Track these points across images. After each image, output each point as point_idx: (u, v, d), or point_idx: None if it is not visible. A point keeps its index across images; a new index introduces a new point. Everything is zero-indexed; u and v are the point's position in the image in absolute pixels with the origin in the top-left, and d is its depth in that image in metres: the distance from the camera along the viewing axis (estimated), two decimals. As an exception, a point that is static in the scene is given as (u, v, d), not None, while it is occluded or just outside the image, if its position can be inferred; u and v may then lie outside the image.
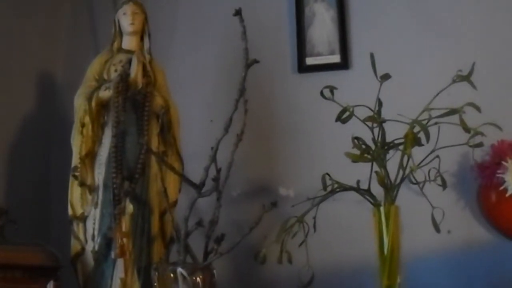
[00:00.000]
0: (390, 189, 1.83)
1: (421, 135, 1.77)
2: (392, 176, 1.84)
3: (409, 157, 1.80)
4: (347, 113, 1.79)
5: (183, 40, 2.75)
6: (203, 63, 2.69)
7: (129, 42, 2.24)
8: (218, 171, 1.70)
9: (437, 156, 1.83)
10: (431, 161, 1.83)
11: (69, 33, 2.92)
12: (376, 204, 1.85)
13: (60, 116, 2.80)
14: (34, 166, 2.65)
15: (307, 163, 2.47)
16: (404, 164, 1.78)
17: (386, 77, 1.79)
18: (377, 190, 1.86)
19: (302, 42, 2.55)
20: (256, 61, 1.67)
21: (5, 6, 2.55)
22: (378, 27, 2.49)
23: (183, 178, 1.71)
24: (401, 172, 1.81)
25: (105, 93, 2.13)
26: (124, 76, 2.12)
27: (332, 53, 2.52)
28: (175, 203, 2.14)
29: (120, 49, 2.24)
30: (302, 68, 2.55)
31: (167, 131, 2.15)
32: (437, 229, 1.85)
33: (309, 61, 2.54)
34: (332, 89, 1.80)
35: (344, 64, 2.50)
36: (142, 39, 2.26)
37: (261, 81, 2.49)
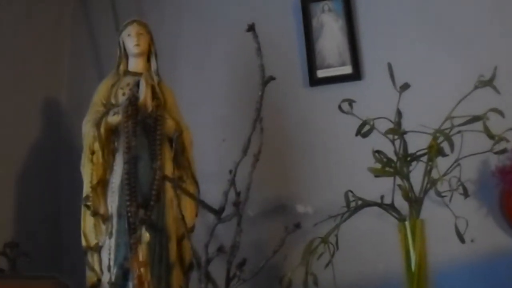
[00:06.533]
0: (415, 202, 1.78)
1: (444, 145, 1.72)
2: (416, 189, 1.78)
3: (432, 168, 1.74)
4: (367, 127, 1.73)
5: (189, 59, 2.71)
6: (211, 81, 2.66)
7: (135, 64, 2.19)
8: (238, 194, 1.64)
9: (459, 165, 1.78)
10: (452, 170, 1.78)
11: (72, 59, 2.90)
12: (401, 219, 1.79)
13: (66, 143, 2.76)
14: (43, 196, 2.62)
15: (325, 179, 2.43)
16: (428, 176, 1.74)
17: (405, 87, 1.75)
18: (401, 205, 1.81)
19: (312, 55, 2.52)
20: (272, 78, 1.61)
21: (7, 35, 2.54)
22: (388, 34, 2.45)
23: (202, 204, 1.64)
24: (425, 184, 1.76)
25: (114, 118, 2.08)
26: (133, 100, 2.07)
27: (343, 64, 2.48)
28: (192, 228, 2.08)
29: (126, 72, 2.20)
30: (314, 81, 2.51)
31: (180, 154, 2.10)
32: (461, 239, 1.81)
33: (320, 73, 2.50)
34: (350, 102, 1.74)
35: (356, 74, 2.46)
36: (149, 60, 2.22)
37: (272, 97, 2.39)
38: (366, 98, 2.17)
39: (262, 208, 2.45)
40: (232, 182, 1.60)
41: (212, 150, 2.50)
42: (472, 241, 2.02)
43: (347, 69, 2.47)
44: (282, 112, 2.50)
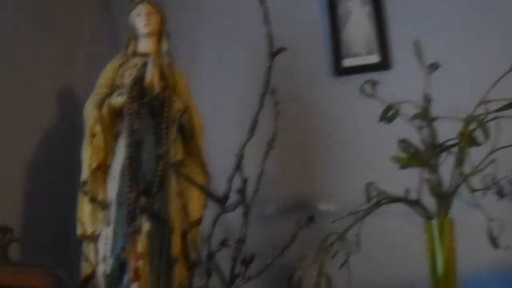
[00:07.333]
0: (444, 198, 1.65)
1: (478, 133, 1.59)
2: (445, 184, 1.65)
3: (463, 159, 1.58)
4: (392, 112, 1.59)
5: (209, 48, 2.61)
6: (233, 72, 2.56)
7: (145, 45, 2.09)
8: (244, 181, 1.49)
9: (493, 161, 1.64)
10: (486, 166, 1.64)
11: (90, 49, 2.81)
12: (427, 217, 1.67)
13: (82, 132, 2.67)
14: (57, 184, 2.52)
15: (348, 174, 2.31)
16: (460, 168, 1.60)
17: (434, 67, 1.62)
18: (428, 201, 1.68)
19: (337, 43, 2.41)
20: (283, 49, 1.46)
21: (26, 24, 2.48)
22: (419, 20, 2.32)
23: (203, 191, 1.50)
24: (456, 177, 1.63)
25: (118, 100, 1.99)
26: (139, 80, 1.97)
27: (370, 52, 2.37)
28: (199, 221, 1.96)
29: (135, 53, 2.10)
30: (339, 71, 2.40)
31: (189, 139, 1.99)
32: (495, 244, 1.68)
33: (346, 62, 2.39)
34: (373, 83, 1.60)
35: (384, 64, 2.34)
36: (160, 41, 2.11)
37: (295, 87, 2.38)
38: (395, 88, 2.02)
39: (281, 205, 2.34)
40: (238, 167, 1.45)
41: (229, 144, 2.38)
42: (507, 248, 1.86)
43: (375, 58, 2.35)
44: (305, 103, 2.40)
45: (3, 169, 2.23)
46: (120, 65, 2.07)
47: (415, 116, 1.60)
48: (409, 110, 1.66)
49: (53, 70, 2.58)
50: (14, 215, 2.26)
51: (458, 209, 1.68)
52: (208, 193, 1.53)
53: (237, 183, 1.58)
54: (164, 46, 2.09)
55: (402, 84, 2.20)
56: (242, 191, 1.47)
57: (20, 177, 2.35)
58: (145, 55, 2.07)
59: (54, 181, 2.48)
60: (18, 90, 2.38)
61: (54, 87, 2.59)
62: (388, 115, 1.61)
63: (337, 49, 2.40)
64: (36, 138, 2.46)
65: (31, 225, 2.28)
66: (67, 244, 2.48)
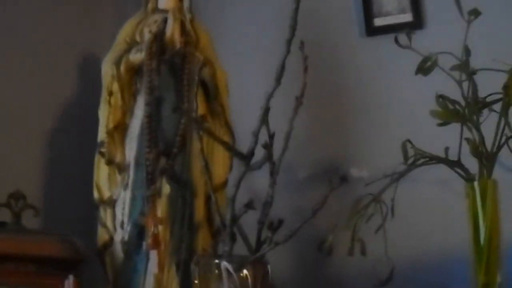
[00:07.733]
0: (486, 158, 1.52)
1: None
2: (488, 144, 1.53)
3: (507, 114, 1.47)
4: (429, 63, 1.49)
5: (237, 11, 2.51)
6: (263, 29, 2.45)
7: (165, 1, 2.00)
8: (271, 136, 1.38)
9: None
10: None
11: (114, 15, 2.70)
12: (469, 179, 1.54)
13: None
14: (78, 150, 2.45)
15: (382, 139, 2.21)
16: (506, 120, 1.47)
17: (475, 13, 1.49)
18: (469, 162, 1.57)
19: (368, 1, 2.30)
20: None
21: None
22: None
23: (226, 147, 1.40)
24: (499, 136, 1.50)
25: (137, 56, 1.90)
26: (159, 36, 1.89)
27: (403, 11, 2.25)
28: (224, 184, 1.87)
29: (155, 10, 2.02)
30: (371, 30, 2.29)
31: (213, 97, 1.90)
32: None
33: (378, 22, 2.28)
34: (409, 33, 1.48)
35: (417, 23, 2.22)
36: None
37: (325, 48, 2.29)
38: (429, 48, 1.90)
39: (313, 170, 2.27)
40: (264, 120, 1.33)
41: (259, 107, 2.33)
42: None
43: (407, 17, 2.24)
44: (336, 64, 2.32)
45: (22, 136, 2.20)
46: (139, 22, 1.98)
47: (454, 68, 1.48)
48: (447, 66, 1.53)
49: (77, 34, 2.53)
50: (32, 182, 2.22)
51: (502, 171, 1.57)
52: (231, 149, 1.42)
53: (264, 140, 1.48)
54: (186, 2, 1.99)
55: (436, 44, 2.02)
56: (268, 147, 1.35)
57: (39, 144, 2.33)
58: (165, 11, 1.97)
59: (74, 147, 2.44)
60: (40, 55, 2.34)
61: (78, 52, 2.54)
62: (426, 66, 1.49)
63: (367, 8, 2.29)
64: (57, 104, 2.43)
65: (51, 192, 2.25)
66: (87, 210, 2.45)
